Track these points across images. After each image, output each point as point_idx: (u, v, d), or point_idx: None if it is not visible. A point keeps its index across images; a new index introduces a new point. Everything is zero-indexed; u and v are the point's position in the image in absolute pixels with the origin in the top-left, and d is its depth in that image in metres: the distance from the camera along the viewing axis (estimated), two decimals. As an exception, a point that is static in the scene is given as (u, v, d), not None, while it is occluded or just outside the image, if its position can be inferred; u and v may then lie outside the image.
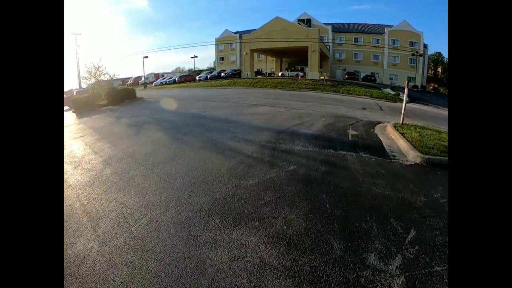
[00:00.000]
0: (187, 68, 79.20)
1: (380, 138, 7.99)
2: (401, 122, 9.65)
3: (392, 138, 8.03)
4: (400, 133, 7.99)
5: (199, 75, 49.26)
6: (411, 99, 27.09)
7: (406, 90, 9.81)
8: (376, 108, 16.87)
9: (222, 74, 46.37)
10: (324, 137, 7.68)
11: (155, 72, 65.31)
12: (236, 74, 45.94)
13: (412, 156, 6.15)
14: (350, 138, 7.72)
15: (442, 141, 7.06)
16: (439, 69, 75.03)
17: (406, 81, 9.85)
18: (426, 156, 5.92)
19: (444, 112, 19.74)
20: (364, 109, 15.38)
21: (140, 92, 31.94)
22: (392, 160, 6.02)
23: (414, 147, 6.51)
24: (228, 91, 26.55)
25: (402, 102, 21.15)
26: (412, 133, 7.85)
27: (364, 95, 25.57)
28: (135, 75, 61.18)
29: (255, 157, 6.05)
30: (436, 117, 15.08)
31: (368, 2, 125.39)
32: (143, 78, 57.33)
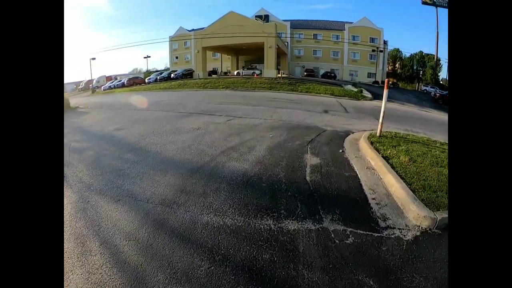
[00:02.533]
0: (145, 69, 74.50)
1: (355, 168, 5.11)
2: (378, 133, 6.99)
3: (372, 167, 5.19)
4: (382, 156, 5.32)
5: (149, 77, 45.10)
6: (374, 96, 25.06)
7: (385, 92, 6.99)
8: (339, 109, 14.14)
9: (172, 75, 42.63)
10: (264, 179, 4.61)
11: (108, 75, 59.83)
12: (188, 74, 42.34)
13: (414, 216, 3.50)
14: (307, 178, 4.68)
15: (441, 166, 4.89)
16: (398, 65, 76.29)
17: (386, 80, 7.05)
18: (439, 216, 3.32)
19: (411, 109, 17.52)
20: (326, 112, 12.58)
21: (82, 99, 30.33)
22: (385, 234, 3.17)
23: (413, 191, 3.93)
24: (172, 95, 23.19)
25: (366, 100, 18.87)
26: (400, 156, 5.31)
27: (325, 94, 23.13)
28: (88, 77, 56.06)
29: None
30: (407, 117, 12.69)
31: (329, 2, 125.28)
32: (94, 81, 53.08)
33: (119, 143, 7.45)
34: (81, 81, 56.17)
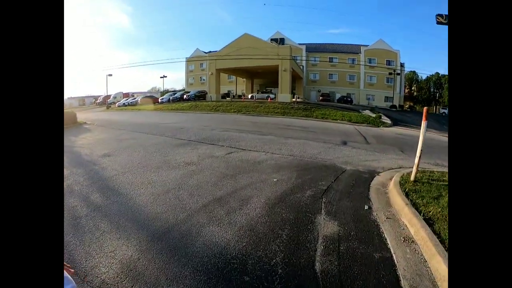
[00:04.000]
0: (165, 88, 75.41)
1: (388, 241, 3.52)
2: (413, 177, 5.45)
3: (412, 237, 3.64)
4: (424, 219, 3.80)
5: (162, 97, 44.63)
6: (393, 121, 23.38)
7: (423, 124, 5.34)
8: (359, 139, 12.48)
9: (185, 96, 42.07)
10: (249, 268, 2.98)
11: (125, 91, 62.25)
12: (201, 96, 41.71)
13: None
14: (317, 265, 3.03)
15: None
16: (414, 87, 74.69)
17: (425, 109, 5.39)
18: None
19: (434, 135, 15.78)
20: (345, 143, 10.92)
21: (94, 114, 30.89)
22: None
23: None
24: (179, 118, 22.04)
25: (386, 127, 17.17)
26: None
27: (342, 120, 21.53)
28: (109, 93, 57.94)
29: None
30: (432, 146, 10.91)
31: (343, 26, 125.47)
32: (111, 97, 55.40)
33: (95, 176, 6.34)
34: (100, 96, 57.41)
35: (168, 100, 42.00)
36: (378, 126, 19.91)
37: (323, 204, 4.63)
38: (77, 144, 10.92)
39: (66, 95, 66.92)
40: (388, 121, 23.46)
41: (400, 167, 7.22)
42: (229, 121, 19.04)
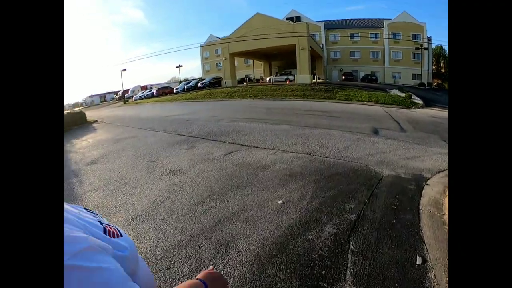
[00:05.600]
0: (183, 77, 73.15)
1: None
2: None
3: None
4: None
5: (177, 87, 43.25)
6: (425, 102, 20.81)
7: None
8: (392, 125, 10.38)
9: (199, 84, 40.34)
10: None
11: (143, 84, 60.66)
12: (216, 83, 39.92)
13: None
14: None
15: None
16: (442, 64, 69.68)
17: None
18: None
19: None
20: (376, 132, 8.85)
21: (109, 110, 31.16)
22: None
23: None
24: (191, 108, 20.44)
25: (418, 108, 14.95)
26: None
27: (368, 101, 19.21)
28: (127, 87, 58.27)
29: None
30: None
31: (363, 2, 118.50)
32: (129, 91, 54.79)
33: (67, 193, 5.30)
34: (119, 91, 57.29)
35: (183, 90, 40.54)
36: (409, 108, 17.51)
37: (349, 257, 2.81)
38: (74, 148, 10.00)
39: (88, 93, 67.79)
40: (420, 101, 20.74)
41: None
42: (242, 108, 17.24)
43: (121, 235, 0.84)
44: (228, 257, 2.89)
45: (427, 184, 4.64)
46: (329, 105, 17.29)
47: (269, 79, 37.40)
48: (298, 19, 50.11)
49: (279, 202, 4.04)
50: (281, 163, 5.76)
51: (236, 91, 28.15)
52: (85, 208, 0.93)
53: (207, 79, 42.60)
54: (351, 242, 3.03)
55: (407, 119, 12.07)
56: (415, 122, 11.42)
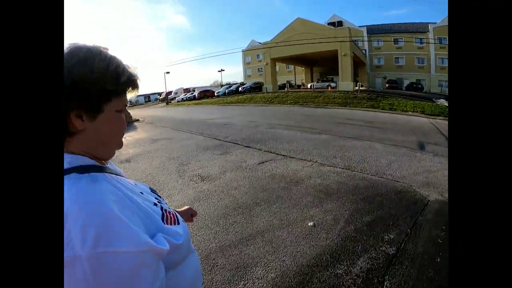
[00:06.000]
0: (225, 81, 74.56)
1: None
2: None
3: None
4: None
5: (218, 91, 43.93)
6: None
7: None
8: (439, 139, 9.52)
9: (240, 89, 40.72)
10: None
11: (186, 87, 62.53)
12: (257, 88, 40.00)
13: None
14: None
15: None
16: None
17: None
18: None
19: None
20: (423, 147, 8.10)
21: (152, 110, 32.68)
22: None
23: None
24: (231, 112, 20.43)
25: None
26: None
27: (413, 111, 18.04)
28: (170, 89, 61.02)
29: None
30: None
31: (406, 5, 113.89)
32: (173, 93, 57.58)
33: None
34: (163, 92, 59.41)
35: (224, 93, 41.27)
36: (460, 118, 16.29)
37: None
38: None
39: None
40: (471, 112, 19.36)
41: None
42: (281, 114, 16.88)
43: (178, 223, 0.85)
44: (243, 282, 2.57)
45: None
46: (372, 115, 16.47)
47: (311, 86, 36.89)
48: (339, 24, 48.96)
49: (309, 224, 3.62)
50: (317, 178, 5.33)
51: (276, 97, 27.93)
52: (150, 188, 0.96)
53: (248, 84, 42.97)
54: (385, 283, 2.57)
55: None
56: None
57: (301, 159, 6.63)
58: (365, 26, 53.06)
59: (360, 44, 46.82)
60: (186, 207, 1.30)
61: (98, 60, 0.71)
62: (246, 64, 66.98)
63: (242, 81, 63.14)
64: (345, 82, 30.63)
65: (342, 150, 7.37)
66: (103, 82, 0.71)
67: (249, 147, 8.09)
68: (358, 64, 40.90)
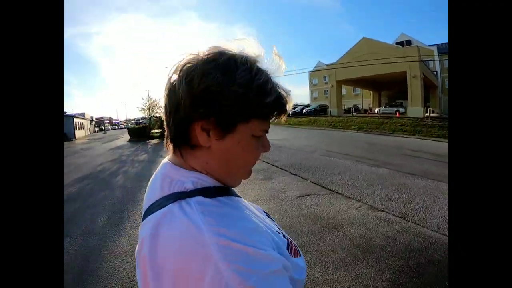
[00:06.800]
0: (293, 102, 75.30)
1: None
2: None
3: None
4: None
5: (283, 111, 43.95)
6: None
7: None
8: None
9: (304, 111, 40.27)
10: None
11: None
12: (321, 110, 39.23)
13: None
14: None
15: None
16: None
17: None
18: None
19: None
20: None
21: None
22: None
23: None
24: (290, 134, 20.06)
25: None
26: None
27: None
28: None
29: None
30: None
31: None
32: None
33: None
34: None
35: (288, 115, 40.58)
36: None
37: None
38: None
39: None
40: None
41: None
42: (342, 140, 15.93)
43: (300, 255, 0.74)
44: None
45: None
46: (443, 146, 14.64)
47: (377, 110, 34.98)
48: (408, 43, 45.75)
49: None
50: (360, 225, 4.42)
51: (340, 121, 27.13)
52: (264, 211, 0.85)
53: (312, 106, 42.68)
54: None
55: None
56: None
57: (348, 197, 5.73)
58: (436, 44, 49.22)
59: (431, 65, 43.72)
60: None
61: (242, 70, 0.60)
62: (312, 85, 66.28)
63: (308, 102, 62.54)
64: (414, 107, 28.24)
65: (401, 191, 6.26)
66: (243, 97, 0.59)
67: (296, 175, 7.41)
68: (429, 87, 38.01)
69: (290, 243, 0.70)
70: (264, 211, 0.84)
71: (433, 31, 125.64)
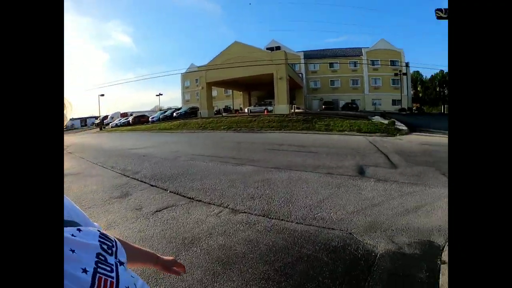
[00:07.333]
0: (166, 106, 71.71)
1: None
2: None
3: None
4: None
5: (153, 116, 41.91)
6: (409, 127, 19.54)
7: None
8: (379, 160, 8.66)
9: (174, 114, 39.08)
10: None
11: (123, 111, 58.79)
12: (192, 113, 38.52)
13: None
14: None
15: None
16: (419, 88, 71.60)
17: None
18: None
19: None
20: (362, 172, 7.04)
21: (83, 136, 30.47)
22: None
23: None
24: (158, 139, 18.74)
25: (403, 135, 14.90)
26: None
27: (350, 130, 17.93)
28: (105, 113, 58.40)
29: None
30: None
31: (344, 33, 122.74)
32: (109, 118, 54.37)
33: None
34: (99, 116, 55.74)
35: (158, 119, 39.41)
36: (394, 135, 16.13)
37: None
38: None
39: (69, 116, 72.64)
40: (404, 127, 19.57)
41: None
42: (209, 142, 15.48)
43: None
44: None
45: (443, 262, 2.85)
46: (307, 137, 15.60)
47: (247, 110, 36.12)
48: (277, 48, 49.73)
49: None
50: (219, 235, 3.77)
51: (210, 122, 26.93)
52: (101, 233, 0.81)
53: (183, 109, 41.77)
54: None
55: (396, 150, 10.39)
56: (405, 153, 9.77)
57: (209, 204, 5.08)
58: (303, 51, 54.63)
59: (297, 68, 47.75)
60: (171, 257, 1.15)
61: None
62: (185, 88, 65.75)
63: (181, 105, 61.25)
64: (281, 105, 30.19)
65: (264, 187, 5.93)
66: None
67: (156, 186, 6.46)
68: (295, 87, 41.32)
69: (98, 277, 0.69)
70: (113, 241, 0.80)
71: (304, 41, 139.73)
